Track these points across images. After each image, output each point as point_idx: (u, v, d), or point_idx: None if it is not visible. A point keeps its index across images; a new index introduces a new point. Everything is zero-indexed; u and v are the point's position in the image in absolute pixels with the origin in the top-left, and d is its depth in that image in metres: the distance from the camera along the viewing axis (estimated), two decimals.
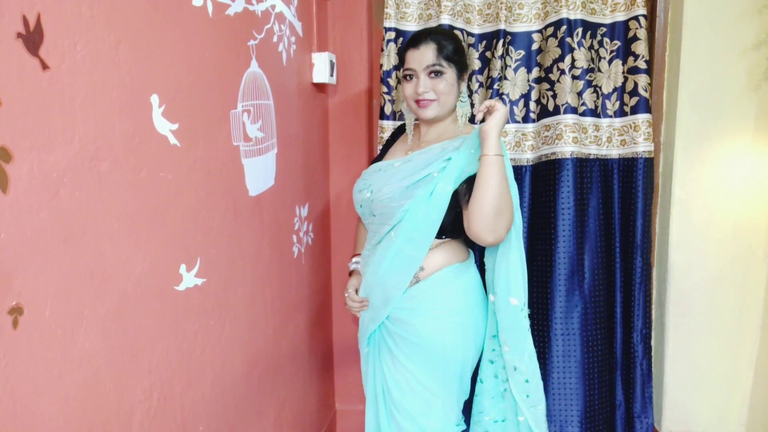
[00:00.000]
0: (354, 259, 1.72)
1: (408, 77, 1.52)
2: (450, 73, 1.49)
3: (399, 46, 2.05)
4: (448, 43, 1.49)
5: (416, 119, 1.64)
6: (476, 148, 1.40)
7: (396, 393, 1.55)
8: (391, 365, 1.55)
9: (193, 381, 1.21)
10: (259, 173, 1.53)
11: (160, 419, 1.09)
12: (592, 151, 1.98)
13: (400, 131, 1.77)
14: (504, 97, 2.00)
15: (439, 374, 1.51)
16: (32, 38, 0.75)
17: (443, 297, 1.51)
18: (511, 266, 1.46)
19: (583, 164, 1.97)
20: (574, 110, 1.94)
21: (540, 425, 1.55)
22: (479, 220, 1.35)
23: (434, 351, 1.50)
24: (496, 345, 1.57)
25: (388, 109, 2.08)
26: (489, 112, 1.36)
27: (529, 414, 1.54)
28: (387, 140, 1.77)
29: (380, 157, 1.71)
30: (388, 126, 2.08)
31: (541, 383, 1.55)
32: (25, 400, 0.76)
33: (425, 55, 1.48)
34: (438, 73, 1.48)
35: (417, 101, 1.51)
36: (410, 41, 1.53)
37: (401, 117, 2.07)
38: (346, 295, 1.64)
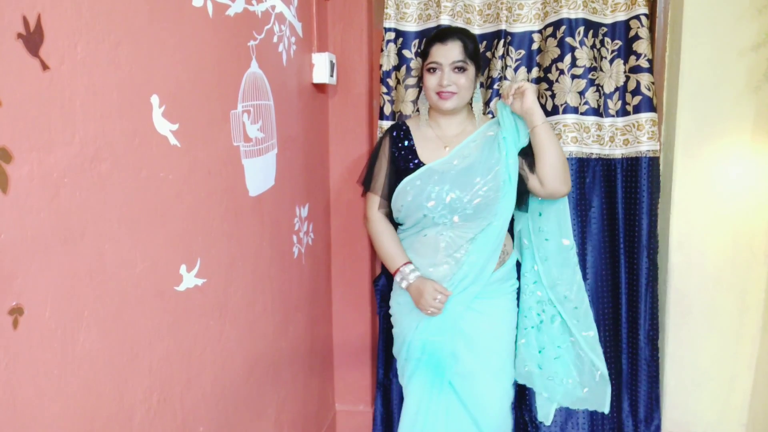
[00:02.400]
0: (407, 269, 1.68)
1: (432, 70, 1.63)
2: (471, 70, 1.63)
3: (399, 46, 2.06)
4: (470, 42, 1.63)
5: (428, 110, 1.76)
6: (516, 124, 1.67)
7: (486, 341, 1.70)
8: (491, 320, 1.70)
9: (193, 381, 1.21)
10: (260, 173, 1.53)
11: (160, 419, 1.09)
12: (594, 150, 1.97)
13: (403, 133, 1.75)
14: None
15: (513, 323, 1.78)
16: (32, 39, 0.75)
17: (514, 274, 1.78)
18: (560, 213, 1.78)
19: (583, 164, 1.97)
20: (574, 110, 1.94)
21: (594, 348, 1.81)
22: (555, 177, 1.63)
23: (509, 321, 1.76)
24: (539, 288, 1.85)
25: (387, 110, 2.08)
26: (520, 92, 1.61)
27: (581, 338, 1.79)
28: (398, 144, 1.73)
29: (412, 160, 1.69)
30: (387, 126, 2.07)
31: (590, 312, 1.82)
32: (25, 400, 0.76)
33: (452, 51, 1.60)
34: (461, 69, 1.62)
35: (439, 93, 1.63)
36: (437, 37, 1.64)
37: (401, 117, 2.07)
38: (438, 298, 1.63)
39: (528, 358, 1.84)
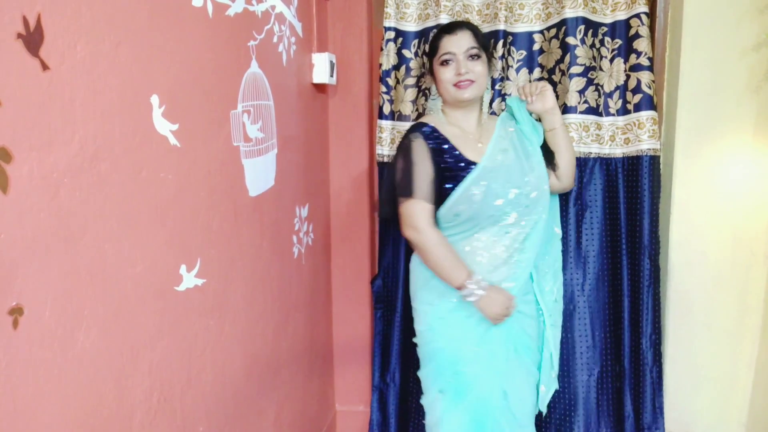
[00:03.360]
0: (473, 281, 1.52)
1: (445, 62, 1.60)
2: (484, 58, 1.61)
3: (398, 46, 2.06)
4: (479, 32, 1.63)
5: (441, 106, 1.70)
6: (532, 122, 1.71)
7: (529, 340, 1.69)
8: (530, 320, 1.69)
9: (193, 381, 1.21)
10: (259, 173, 1.53)
11: (160, 419, 1.09)
12: (593, 149, 1.97)
13: (436, 133, 1.61)
14: (506, 97, 2.00)
15: (539, 330, 1.76)
16: (32, 39, 0.75)
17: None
18: (552, 202, 1.76)
19: (582, 163, 1.96)
20: (574, 109, 1.93)
21: (558, 347, 1.79)
22: (570, 175, 1.73)
23: (537, 315, 1.75)
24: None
25: (387, 109, 2.07)
26: (541, 93, 1.65)
27: (551, 333, 1.75)
28: (437, 148, 1.59)
29: (461, 160, 1.58)
30: (387, 126, 2.07)
31: (562, 307, 1.83)
32: (25, 400, 0.76)
33: (463, 39, 1.59)
34: (476, 56, 1.59)
35: (457, 84, 1.59)
36: (445, 29, 1.63)
37: (400, 117, 2.07)
38: (510, 306, 1.56)
39: None
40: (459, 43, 1.58)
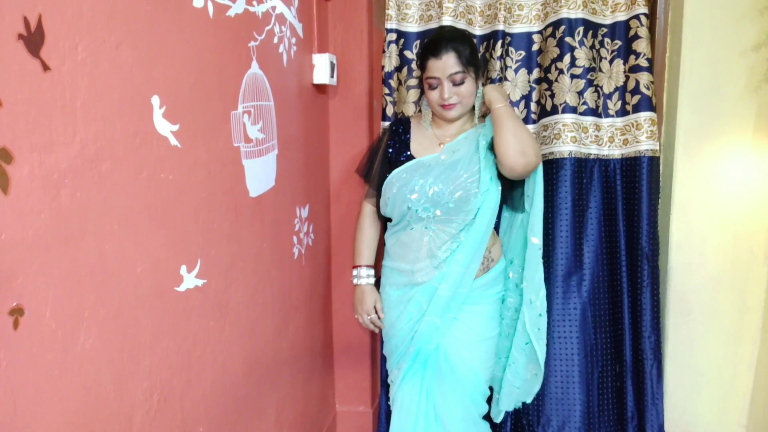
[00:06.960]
0: (365, 272, 1.79)
1: (431, 84, 1.65)
2: (470, 76, 1.63)
3: (400, 47, 2.06)
4: (465, 48, 1.61)
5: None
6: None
7: (465, 353, 1.70)
8: (460, 335, 1.69)
9: (193, 382, 1.21)
10: (260, 174, 1.53)
11: (160, 420, 1.09)
12: (593, 150, 1.97)
13: (403, 128, 1.79)
14: None
15: (494, 330, 1.76)
16: (33, 39, 0.76)
17: (501, 280, 1.77)
18: (534, 209, 1.72)
19: (582, 164, 1.96)
20: (573, 109, 1.93)
21: (543, 357, 1.79)
22: (509, 148, 1.56)
23: (494, 316, 1.76)
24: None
25: (389, 111, 2.08)
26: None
27: (538, 346, 1.77)
28: (395, 138, 1.77)
29: (403, 153, 1.72)
30: None
31: (546, 321, 1.78)
32: (25, 400, 0.77)
33: (447, 63, 1.60)
34: (461, 79, 1.61)
35: (442, 105, 1.65)
36: (429, 50, 1.63)
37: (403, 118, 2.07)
38: (370, 318, 1.76)
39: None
40: (443, 68, 1.60)
